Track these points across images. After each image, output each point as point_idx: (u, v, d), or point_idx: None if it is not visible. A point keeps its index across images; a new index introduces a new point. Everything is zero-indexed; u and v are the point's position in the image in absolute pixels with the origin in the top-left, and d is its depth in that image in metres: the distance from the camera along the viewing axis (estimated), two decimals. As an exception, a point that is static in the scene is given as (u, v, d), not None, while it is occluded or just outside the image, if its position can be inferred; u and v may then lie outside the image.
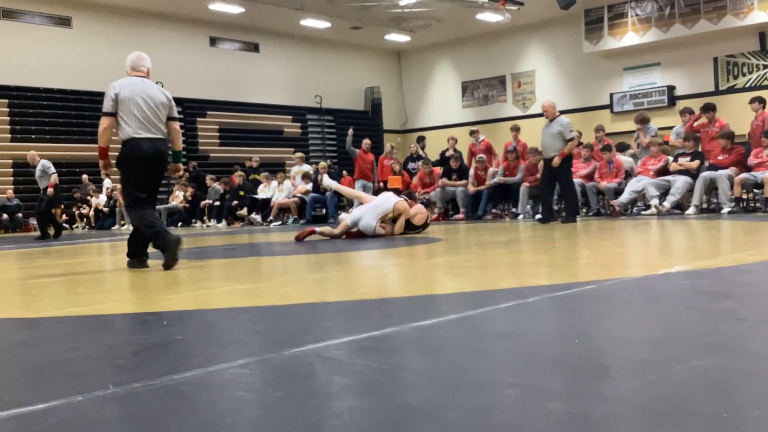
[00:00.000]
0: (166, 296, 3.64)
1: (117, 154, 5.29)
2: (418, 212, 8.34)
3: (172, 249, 5.05)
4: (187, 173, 18.29)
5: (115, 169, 5.42)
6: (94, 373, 1.96)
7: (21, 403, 1.65)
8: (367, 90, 23.42)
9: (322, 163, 16.01)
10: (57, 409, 1.60)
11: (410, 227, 8.24)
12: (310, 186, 15.22)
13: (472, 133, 14.07)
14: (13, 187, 16.84)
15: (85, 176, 17.68)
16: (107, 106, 5.24)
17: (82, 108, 17.31)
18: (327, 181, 9.84)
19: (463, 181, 13.04)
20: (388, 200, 8.09)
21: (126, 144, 5.23)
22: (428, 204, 9.17)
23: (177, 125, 5.52)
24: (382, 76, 23.84)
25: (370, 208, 8.00)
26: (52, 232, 12.35)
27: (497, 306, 2.76)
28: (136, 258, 5.35)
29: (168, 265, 5.04)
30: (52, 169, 12.22)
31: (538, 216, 10.60)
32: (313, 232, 7.92)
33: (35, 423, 1.52)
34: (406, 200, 8.39)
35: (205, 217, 16.51)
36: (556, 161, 9.54)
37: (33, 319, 3.04)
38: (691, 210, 10.20)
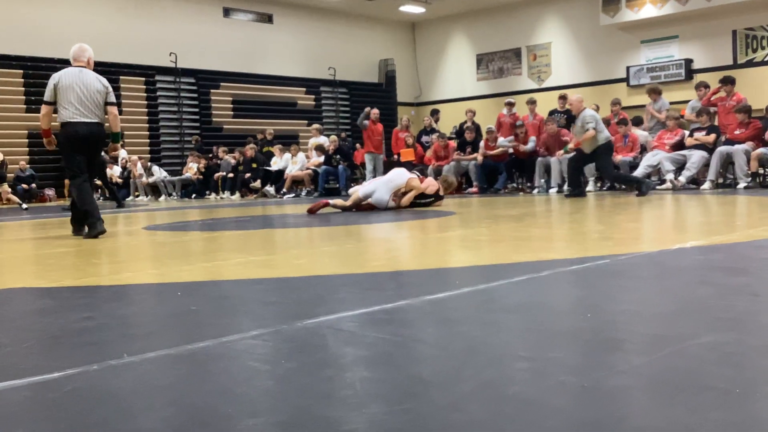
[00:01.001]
0: (180, 267, 3.66)
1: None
2: (429, 185, 8.41)
3: (92, 232, 5.73)
4: (192, 144, 18.41)
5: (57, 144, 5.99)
6: (108, 342, 1.98)
7: (37, 371, 1.67)
8: (381, 62, 23.28)
9: (333, 137, 15.98)
10: (72, 378, 1.62)
11: (422, 196, 8.31)
12: (322, 158, 15.20)
13: (508, 104, 13.90)
14: (27, 157, 16.92)
15: (99, 147, 17.73)
16: (46, 95, 5.86)
17: (96, 79, 17.32)
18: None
19: (476, 155, 12.99)
20: (401, 175, 8.20)
21: (63, 126, 5.82)
22: (446, 182, 9.07)
23: (114, 110, 6.02)
24: (397, 48, 23.68)
25: (383, 182, 8.11)
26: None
27: (510, 280, 2.76)
28: (85, 224, 5.86)
29: (87, 235, 5.78)
30: None
31: (566, 190, 10.61)
32: (326, 205, 7.96)
33: (50, 391, 1.54)
34: (419, 176, 8.46)
35: (219, 190, 16.57)
36: (570, 147, 9.69)
37: (49, 289, 3.07)
38: (706, 185, 10.11)
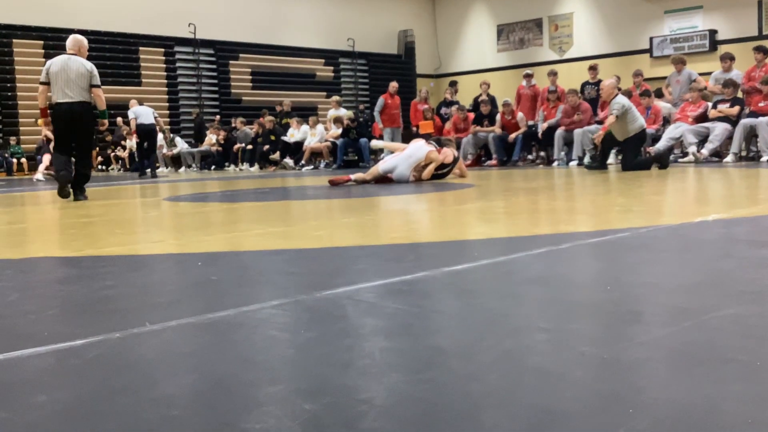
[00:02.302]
0: (201, 238, 3.68)
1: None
2: (447, 155, 8.44)
3: (59, 192, 6.96)
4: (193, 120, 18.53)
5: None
6: (131, 311, 2.00)
7: (61, 339, 1.69)
8: (401, 33, 23.10)
9: (349, 113, 15.91)
10: (95, 345, 1.64)
11: (442, 167, 8.33)
12: (340, 131, 15.18)
13: (526, 75, 13.76)
14: (50, 127, 17.02)
15: (119, 119, 17.81)
16: (42, 77, 7.02)
17: (116, 50, 17.35)
18: (375, 143, 10.85)
19: (494, 127, 12.91)
20: (421, 149, 8.26)
21: (54, 106, 7.00)
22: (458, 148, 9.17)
23: (98, 91, 7.07)
24: (416, 19, 23.48)
25: (403, 158, 8.14)
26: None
27: (529, 252, 2.75)
28: (75, 189, 7.06)
29: (59, 195, 6.99)
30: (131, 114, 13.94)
31: (587, 161, 10.55)
32: (348, 180, 7.94)
33: (74, 357, 1.56)
34: (436, 147, 8.48)
35: (239, 161, 16.61)
36: (598, 135, 9.48)
37: (71, 258, 3.10)
38: (729, 158, 10.00)
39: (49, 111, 7.25)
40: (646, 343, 1.51)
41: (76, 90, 6.89)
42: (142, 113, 13.47)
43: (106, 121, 7.58)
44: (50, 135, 14.94)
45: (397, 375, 1.37)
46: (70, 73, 6.88)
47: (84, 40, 7.30)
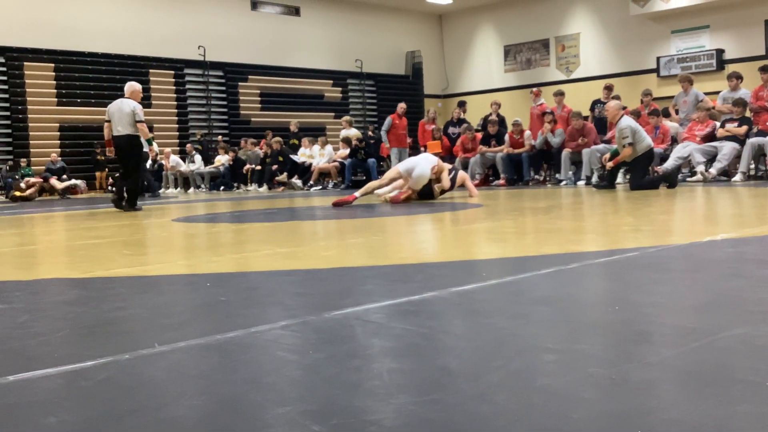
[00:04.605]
0: (209, 259, 3.69)
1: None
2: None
3: (122, 206, 8.85)
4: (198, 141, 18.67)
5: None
6: (140, 332, 2.01)
7: (70, 360, 1.70)
8: (408, 54, 23.23)
9: (357, 133, 15.95)
10: (104, 367, 1.64)
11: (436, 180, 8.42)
12: (347, 151, 15.21)
13: (532, 92, 13.76)
14: (59, 150, 17.15)
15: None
16: (105, 116, 9.01)
17: (126, 72, 17.49)
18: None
19: (502, 147, 12.92)
20: (430, 155, 8.68)
21: (112, 138, 8.95)
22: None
23: (141, 125, 8.84)
24: (424, 40, 23.61)
25: (421, 159, 8.38)
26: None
27: (538, 272, 2.75)
28: (127, 203, 8.89)
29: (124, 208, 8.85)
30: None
31: (595, 181, 10.56)
32: (354, 199, 7.93)
33: (83, 379, 1.56)
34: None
35: (248, 181, 16.67)
36: (609, 165, 9.45)
37: (81, 279, 3.12)
38: (737, 177, 9.98)
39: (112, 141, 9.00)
40: (654, 364, 1.51)
41: (125, 125, 8.75)
42: None
43: (152, 148, 9.49)
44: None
45: (406, 396, 1.37)
46: (122, 113, 8.75)
47: (136, 85, 9.16)
